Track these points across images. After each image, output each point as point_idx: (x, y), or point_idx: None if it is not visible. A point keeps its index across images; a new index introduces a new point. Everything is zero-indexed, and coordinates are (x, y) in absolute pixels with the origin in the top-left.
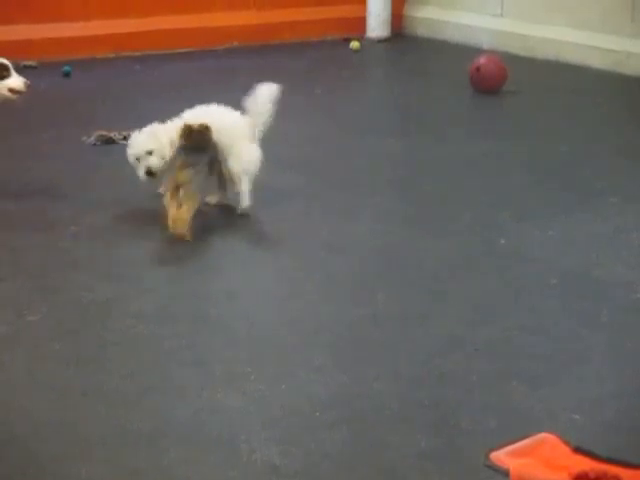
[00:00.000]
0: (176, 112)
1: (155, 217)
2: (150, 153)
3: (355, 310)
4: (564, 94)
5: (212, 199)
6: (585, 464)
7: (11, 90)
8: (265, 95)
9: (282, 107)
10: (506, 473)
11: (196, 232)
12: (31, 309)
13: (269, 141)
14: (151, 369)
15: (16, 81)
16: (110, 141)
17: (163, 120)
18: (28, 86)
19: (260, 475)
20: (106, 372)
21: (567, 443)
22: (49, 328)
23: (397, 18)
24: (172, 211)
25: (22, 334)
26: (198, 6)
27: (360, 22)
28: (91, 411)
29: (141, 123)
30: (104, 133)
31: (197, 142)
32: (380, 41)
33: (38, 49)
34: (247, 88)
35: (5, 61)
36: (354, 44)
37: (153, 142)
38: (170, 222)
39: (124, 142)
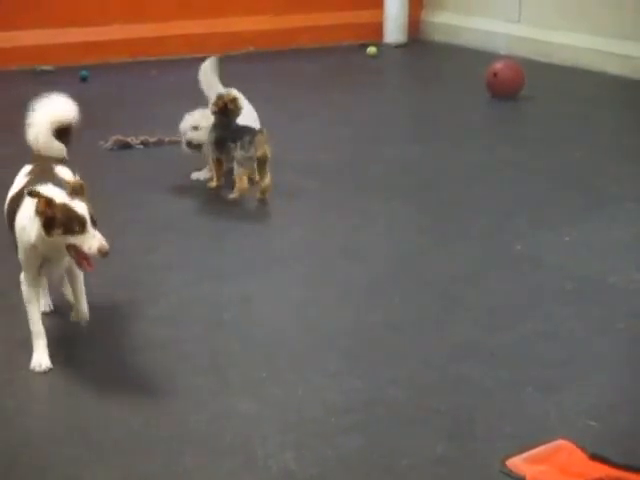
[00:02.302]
0: None
1: (171, 221)
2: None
3: (371, 315)
4: (581, 100)
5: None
6: (601, 471)
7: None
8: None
9: (298, 112)
10: None
11: (210, 236)
12: (47, 313)
13: (285, 146)
14: (166, 374)
15: (91, 242)
16: (127, 146)
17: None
18: (104, 254)
19: None
20: (121, 377)
21: (583, 450)
22: (65, 332)
23: (414, 23)
24: (244, 183)
25: None
26: (215, 11)
27: (377, 27)
28: (106, 416)
29: (157, 128)
30: (121, 138)
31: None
32: (397, 46)
33: (55, 54)
34: (264, 93)
35: (81, 212)
36: (371, 49)
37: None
38: (240, 191)
39: (140, 147)
